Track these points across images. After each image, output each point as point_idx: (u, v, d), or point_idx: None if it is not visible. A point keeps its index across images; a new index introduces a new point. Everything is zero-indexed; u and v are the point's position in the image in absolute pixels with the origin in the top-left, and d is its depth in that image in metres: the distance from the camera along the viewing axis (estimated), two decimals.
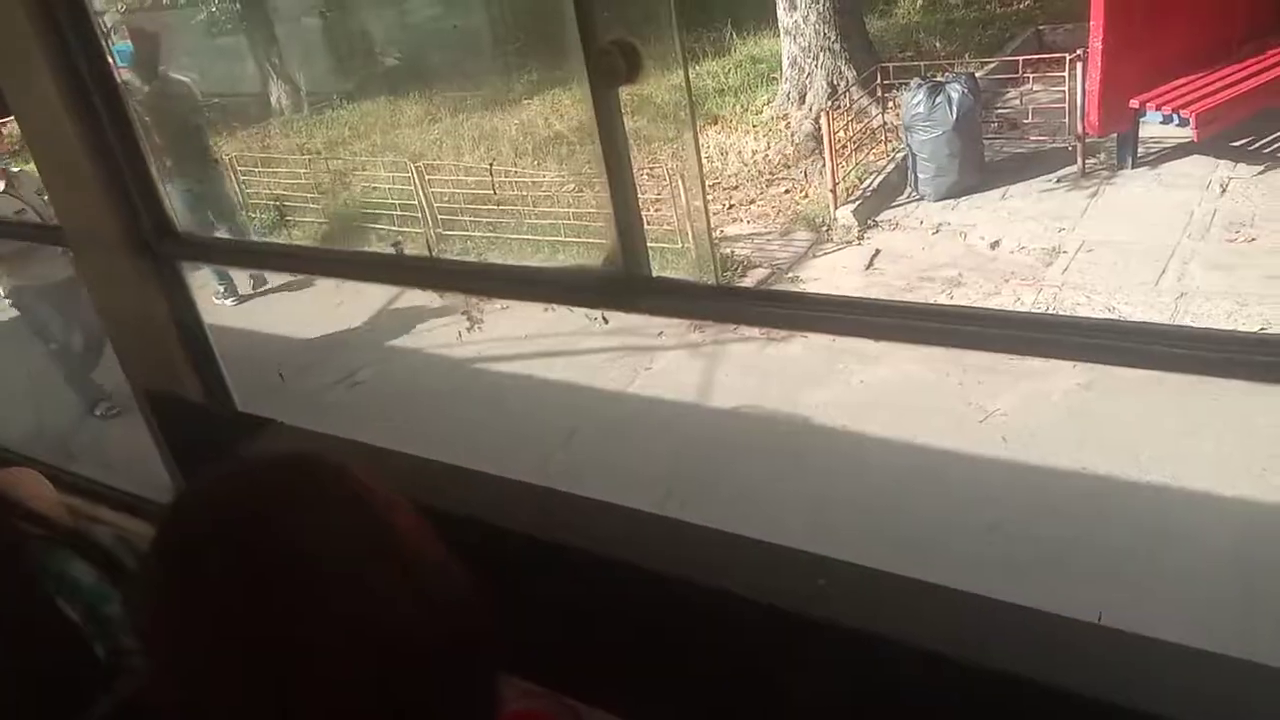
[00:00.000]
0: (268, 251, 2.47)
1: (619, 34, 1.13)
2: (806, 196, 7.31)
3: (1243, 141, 6.63)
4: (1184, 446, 4.23)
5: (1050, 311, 5.38)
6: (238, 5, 11.83)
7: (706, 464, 4.62)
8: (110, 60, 1.69)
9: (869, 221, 6.83)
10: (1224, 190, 6.27)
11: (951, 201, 6.81)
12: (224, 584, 0.70)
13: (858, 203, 6.86)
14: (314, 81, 11.28)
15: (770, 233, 7.05)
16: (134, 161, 1.68)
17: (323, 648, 0.69)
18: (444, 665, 0.73)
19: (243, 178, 8.90)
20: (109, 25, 9.98)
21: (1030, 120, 7.39)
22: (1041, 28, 9.30)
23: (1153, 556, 3.64)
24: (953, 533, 3.86)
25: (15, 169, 5.75)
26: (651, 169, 6.87)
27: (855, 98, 7.99)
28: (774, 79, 8.83)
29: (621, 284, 1.22)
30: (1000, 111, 7.74)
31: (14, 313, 5.93)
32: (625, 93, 1.17)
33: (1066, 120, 6.93)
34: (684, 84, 6.79)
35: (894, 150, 7.43)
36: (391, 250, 6.30)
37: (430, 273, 1.87)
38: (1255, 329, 4.75)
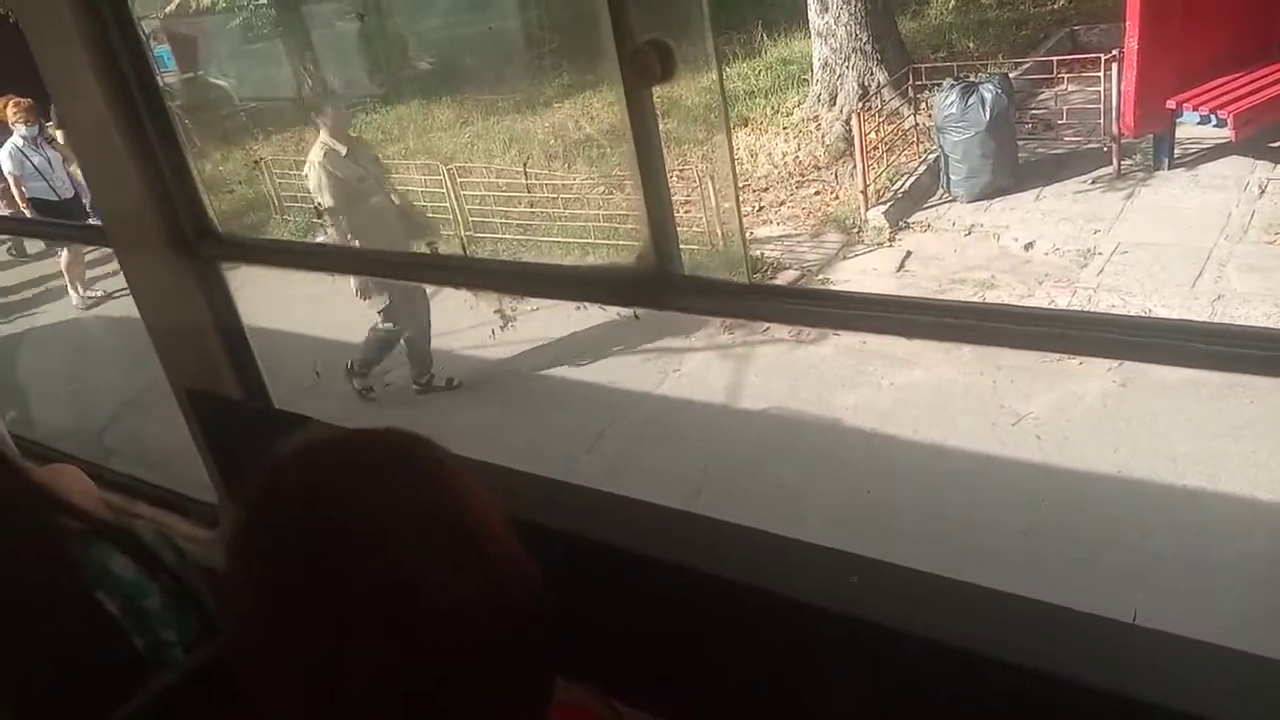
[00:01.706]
0: (306, 252, 2.49)
1: (653, 35, 1.13)
2: (837, 198, 7.28)
3: None
4: (1221, 449, 4.17)
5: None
6: (273, 11, 11.97)
7: (736, 465, 4.62)
8: (152, 63, 1.72)
9: (900, 223, 6.79)
10: (1262, 191, 6.18)
11: (984, 203, 6.76)
12: (310, 562, 0.71)
13: (889, 204, 6.83)
14: (348, 85, 11.38)
15: (800, 234, 7.03)
16: (175, 163, 1.71)
17: (396, 628, 0.69)
18: (504, 654, 0.74)
19: (278, 180, 9.00)
20: (149, 30, 10.15)
21: (1064, 121, 7.32)
22: (1076, 28, 9.21)
23: (1188, 561, 3.59)
24: (984, 537, 3.83)
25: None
26: (681, 171, 6.87)
27: (887, 99, 7.95)
28: (805, 81, 8.80)
29: (654, 282, 1.22)
30: (1034, 112, 7.67)
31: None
32: (656, 94, 1.18)
33: (1101, 121, 6.86)
34: (715, 86, 6.78)
35: (926, 151, 7.39)
36: (426, 250, 6.35)
37: (464, 271, 1.89)
38: None
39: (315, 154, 5.65)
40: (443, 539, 0.73)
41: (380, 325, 5.96)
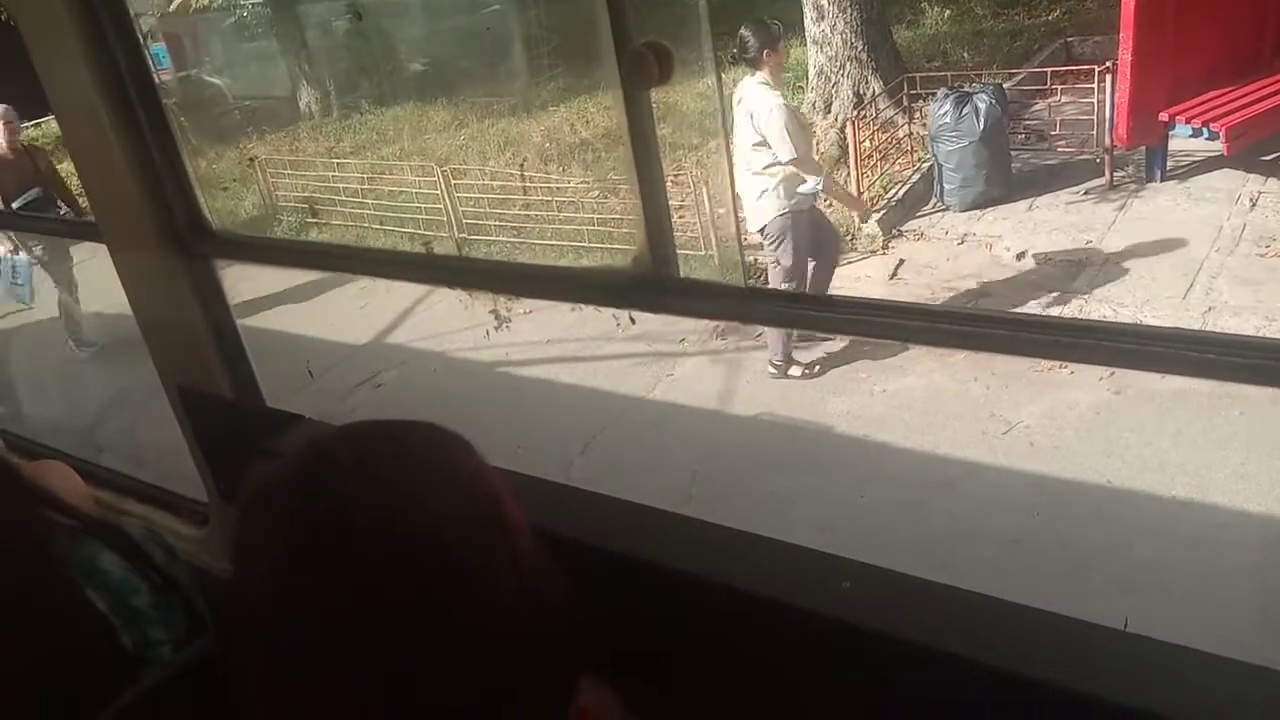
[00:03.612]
0: (301, 250, 2.49)
1: (651, 37, 1.13)
2: (830, 206, 7.29)
3: (1273, 156, 6.56)
4: (1211, 459, 4.19)
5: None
6: (269, 10, 11.96)
7: (727, 471, 4.62)
8: (148, 61, 1.71)
9: (894, 231, 6.80)
10: (1254, 204, 6.21)
11: (977, 212, 6.78)
12: (374, 563, 0.69)
13: (882, 212, 6.84)
14: (343, 86, 11.38)
15: None
16: (169, 159, 1.70)
17: (456, 631, 0.69)
18: (535, 655, 0.73)
19: (271, 180, 8.99)
20: (145, 28, 10.13)
21: (1058, 132, 7.35)
22: (1070, 39, 9.25)
23: (1178, 571, 3.61)
24: (975, 544, 3.84)
25: None
26: (676, 176, 6.87)
27: (881, 108, 7.97)
28: (800, 88, 8.83)
29: (649, 284, 1.22)
30: (1027, 123, 7.70)
31: None
32: (652, 100, 1.18)
33: (1095, 132, 6.89)
34: (711, 91, 6.78)
35: (920, 160, 7.41)
36: (422, 250, 6.35)
37: (461, 272, 1.88)
38: None
39: (766, 96, 5.12)
40: (494, 541, 0.73)
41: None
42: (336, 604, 0.68)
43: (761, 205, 5.32)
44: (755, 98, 5.17)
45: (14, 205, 6.51)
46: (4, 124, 6.66)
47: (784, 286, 5.43)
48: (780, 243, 5.36)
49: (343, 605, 0.68)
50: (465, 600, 0.70)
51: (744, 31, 5.29)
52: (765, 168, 5.20)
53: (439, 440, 0.78)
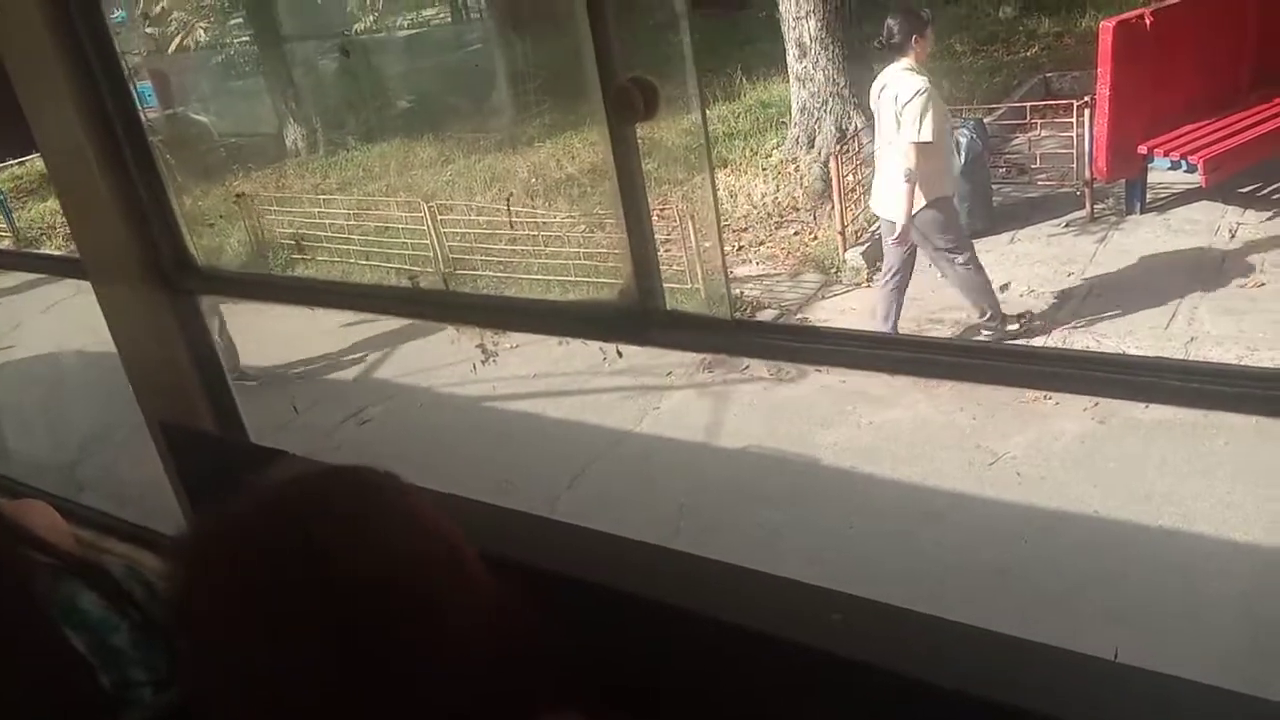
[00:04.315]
0: (286, 286, 2.49)
1: (636, 73, 1.15)
2: (815, 239, 7.35)
3: (1251, 187, 6.66)
4: (1196, 489, 4.20)
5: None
6: (255, 48, 12.03)
7: (714, 503, 4.61)
8: (134, 96, 1.72)
9: (878, 264, 6.84)
10: (1233, 235, 6.29)
11: None
12: (309, 617, 0.69)
13: (867, 245, 6.89)
14: (329, 122, 11.43)
15: (779, 274, 7.08)
16: (155, 196, 1.71)
17: (406, 673, 0.68)
18: (492, 679, 0.73)
19: (258, 216, 8.99)
20: (131, 66, 10.15)
21: (1038, 165, 7.43)
22: (1049, 74, 9.39)
23: (1165, 601, 3.61)
24: (961, 575, 3.83)
25: None
26: (662, 210, 6.92)
27: (864, 142, 8.05)
28: (783, 124, 8.92)
29: (636, 317, 1.23)
30: (1008, 156, 7.79)
31: None
32: (638, 135, 1.19)
33: (1074, 166, 6.97)
34: (695, 127, 6.84)
35: None
36: (409, 284, 6.34)
37: (447, 306, 1.89)
38: None
39: (912, 79, 5.20)
40: (439, 578, 0.73)
41: None
42: (296, 650, 0.68)
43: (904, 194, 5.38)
44: (900, 82, 5.28)
45: None
46: None
47: (959, 260, 5.56)
48: (935, 227, 5.46)
49: (304, 649, 0.68)
50: (423, 632, 0.70)
51: (891, 21, 5.39)
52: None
53: (367, 488, 0.78)
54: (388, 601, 0.70)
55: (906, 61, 5.32)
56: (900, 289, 5.76)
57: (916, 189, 5.31)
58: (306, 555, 0.70)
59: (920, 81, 5.24)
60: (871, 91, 5.62)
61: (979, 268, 5.68)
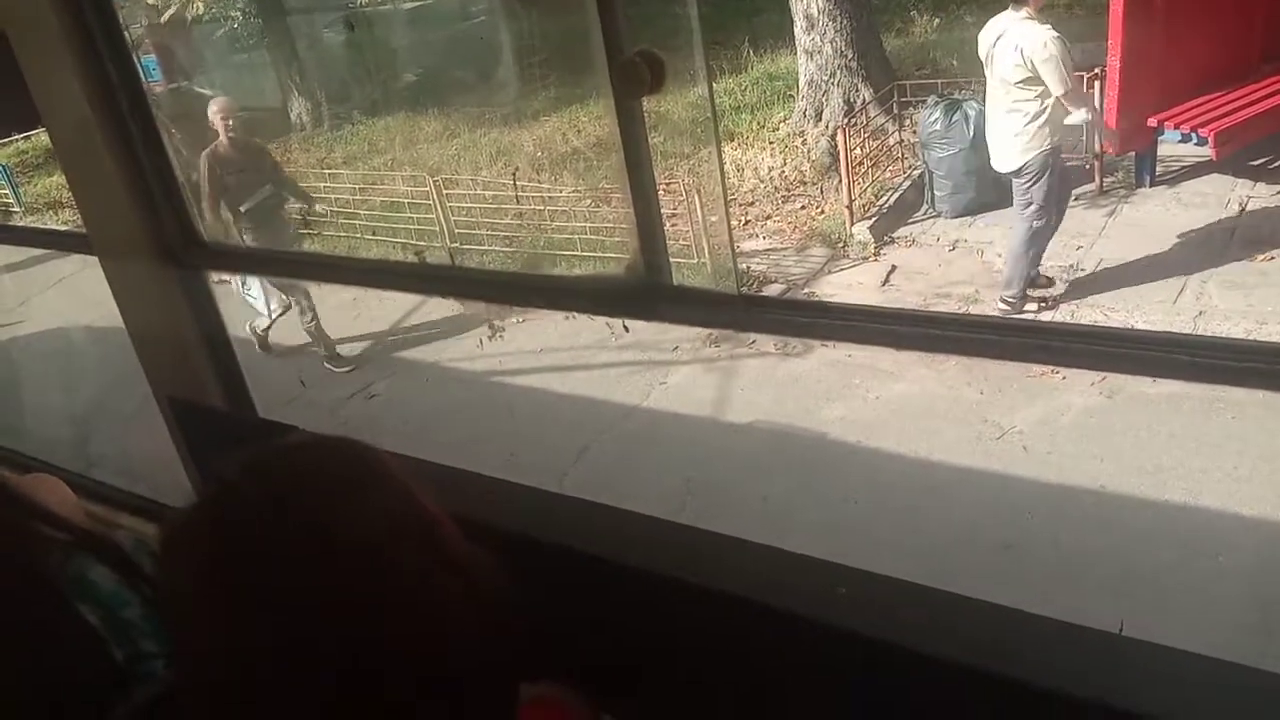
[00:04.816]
0: (292, 261, 2.49)
1: (643, 46, 1.14)
2: (823, 213, 7.31)
3: (1261, 160, 6.60)
4: (1204, 464, 4.20)
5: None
6: (260, 21, 11.95)
7: (721, 478, 4.62)
8: (139, 71, 1.71)
9: (885, 238, 6.82)
10: (1243, 209, 6.24)
11: (968, 219, 6.80)
12: (294, 582, 0.69)
13: (874, 219, 6.86)
14: (334, 97, 11.37)
15: (786, 248, 7.05)
16: (161, 171, 1.70)
17: (389, 638, 0.69)
18: (477, 658, 0.73)
19: None
20: (135, 39, 10.11)
21: None
22: None
23: (1172, 575, 3.61)
24: (969, 549, 3.84)
25: None
26: (668, 184, 6.89)
27: (872, 115, 8.00)
28: (790, 97, 8.85)
29: (643, 292, 1.23)
30: None
31: None
32: (644, 108, 1.18)
33: (1084, 138, 6.91)
34: (702, 100, 6.79)
35: (911, 167, 7.43)
36: (415, 260, 6.33)
37: (455, 282, 1.88)
38: None
39: (1038, 29, 5.21)
40: (415, 546, 0.73)
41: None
42: (277, 624, 0.69)
43: (1020, 143, 5.39)
44: (1023, 32, 5.26)
45: (243, 208, 6.03)
46: (221, 116, 6.07)
47: (1034, 225, 5.53)
48: (1037, 180, 5.42)
49: (284, 625, 0.69)
50: (401, 605, 0.70)
51: None
52: (1030, 99, 5.28)
53: (348, 458, 0.78)
54: (364, 574, 0.70)
55: (1026, 10, 5.30)
56: (1047, 235, 5.72)
57: (1032, 137, 5.34)
58: (283, 530, 0.71)
59: (1046, 31, 5.24)
60: (981, 40, 5.61)
61: (1047, 237, 5.66)
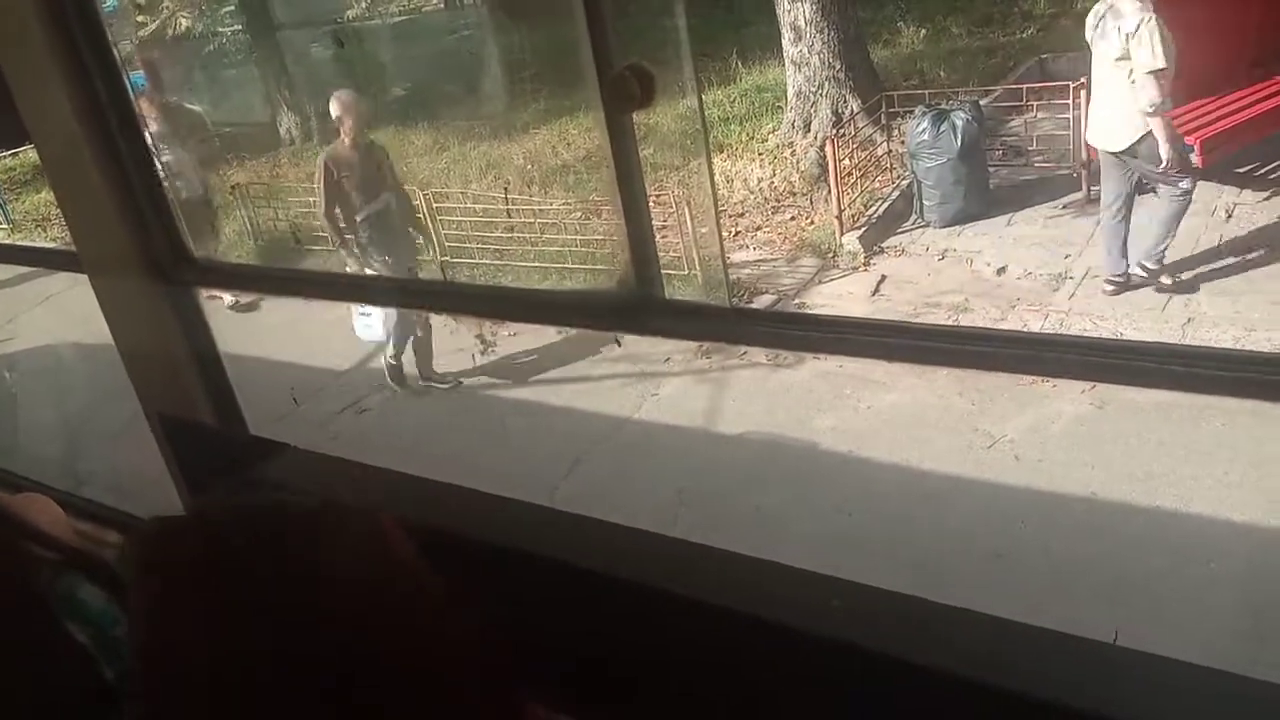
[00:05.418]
0: (283, 278, 2.48)
1: (633, 60, 1.14)
2: (812, 223, 7.33)
3: (1248, 167, 6.64)
4: (1194, 471, 4.21)
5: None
6: (248, 37, 11.96)
7: (713, 489, 4.62)
8: (127, 86, 1.71)
9: (875, 248, 6.84)
10: (1229, 216, 6.28)
11: (957, 228, 6.83)
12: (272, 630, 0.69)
13: (863, 229, 6.89)
14: (323, 111, 11.35)
15: (776, 259, 7.07)
16: (150, 187, 1.70)
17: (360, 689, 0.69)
18: (467, 689, 0.73)
19: (253, 206, 8.96)
20: (123, 55, 10.08)
21: (1035, 148, 7.41)
22: (1044, 56, 9.34)
23: (1164, 582, 3.62)
24: (961, 559, 3.84)
25: None
26: (658, 196, 6.90)
27: (860, 126, 8.04)
28: (779, 108, 8.88)
29: (634, 306, 1.23)
30: (1005, 139, 7.76)
31: None
32: (634, 121, 1.19)
33: (1071, 147, 6.95)
34: (692, 112, 6.83)
35: (899, 178, 7.46)
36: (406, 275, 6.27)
37: (446, 296, 1.88)
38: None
39: (1133, 6, 5.23)
40: (392, 602, 0.73)
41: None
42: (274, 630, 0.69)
43: (1131, 121, 5.42)
44: (1122, 10, 5.30)
45: (359, 217, 5.57)
46: (344, 110, 5.49)
47: (1178, 200, 5.53)
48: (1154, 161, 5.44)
49: (280, 631, 0.69)
50: (387, 644, 0.70)
51: None
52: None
53: (325, 528, 0.78)
54: (340, 623, 0.70)
55: None
56: (1126, 219, 5.74)
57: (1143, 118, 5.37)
58: (279, 541, 0.72)
59: (1144, 7, 5.26)
60: (1087, 23, 5.65)
61: (1186, 204, 5.64)
